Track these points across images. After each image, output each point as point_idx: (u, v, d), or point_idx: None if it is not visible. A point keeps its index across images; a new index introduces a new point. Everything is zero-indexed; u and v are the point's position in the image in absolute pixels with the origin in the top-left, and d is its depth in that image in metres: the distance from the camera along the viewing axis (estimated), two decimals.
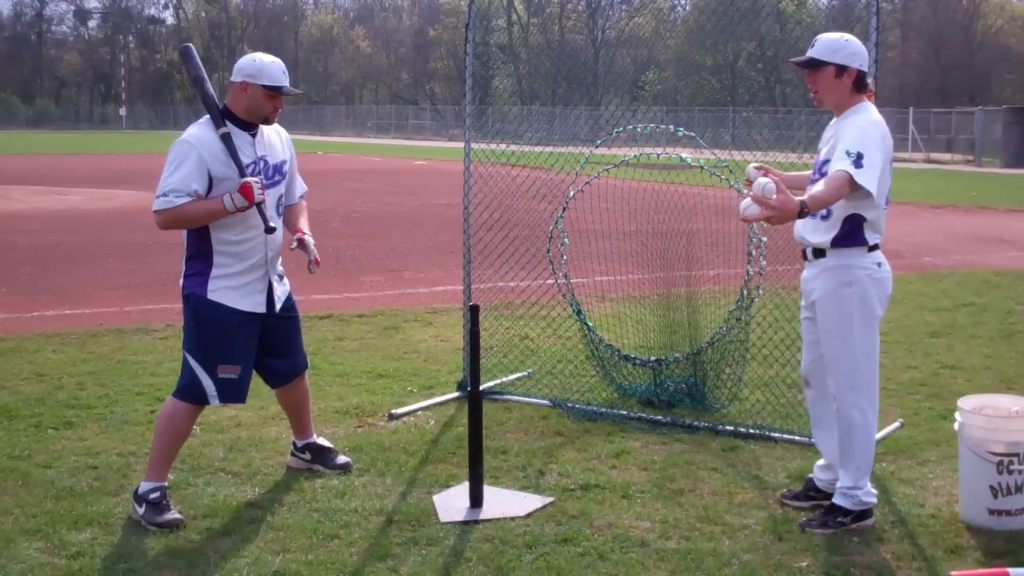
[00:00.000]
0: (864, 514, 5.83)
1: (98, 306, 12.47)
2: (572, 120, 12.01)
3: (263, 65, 5.94)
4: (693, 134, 8.23)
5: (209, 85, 6.09)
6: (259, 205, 5.83)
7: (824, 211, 5.61)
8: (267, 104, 5.97)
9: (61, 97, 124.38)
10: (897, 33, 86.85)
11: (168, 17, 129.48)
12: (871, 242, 5.68)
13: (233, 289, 5.98)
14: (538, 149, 9.43)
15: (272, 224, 5.94)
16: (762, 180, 5.34)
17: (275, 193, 6.12)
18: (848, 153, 5.41)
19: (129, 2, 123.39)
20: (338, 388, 8.75)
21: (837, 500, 5.82)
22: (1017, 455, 5.83)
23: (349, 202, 27.21)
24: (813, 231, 5.73)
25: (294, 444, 6.83)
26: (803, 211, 5.28)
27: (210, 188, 5.82)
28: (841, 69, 5.65)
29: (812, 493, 6.17)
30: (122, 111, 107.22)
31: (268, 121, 6.06)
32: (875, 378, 5.83)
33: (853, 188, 5.38)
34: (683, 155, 8.32)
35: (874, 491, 5.90)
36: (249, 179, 5.78)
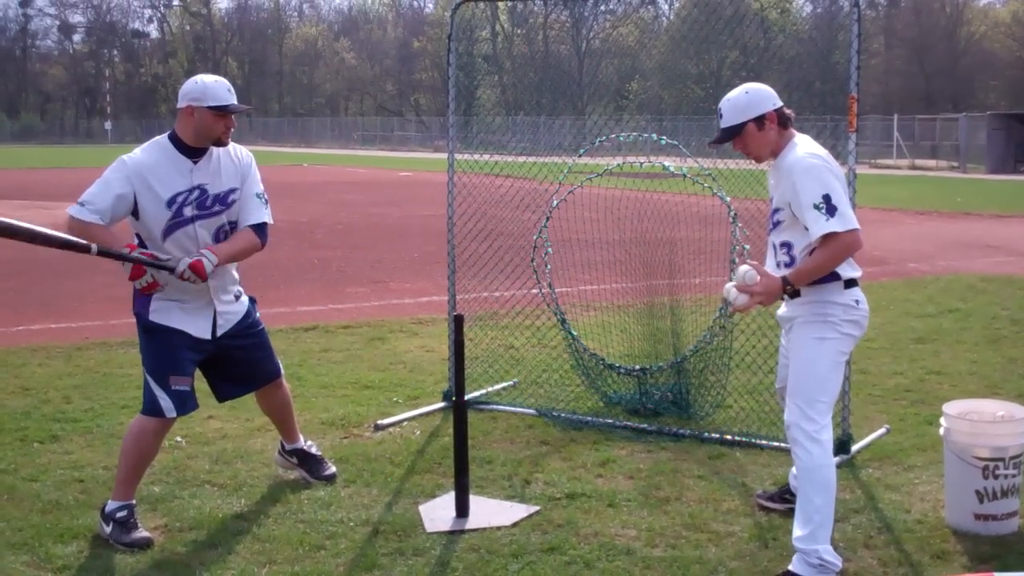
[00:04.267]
0: None
1: (84, 319, 12.45)
2: (556, 130, 12.03)
3: (207, 86, 5.87)
4: (676, 143, 8.25)
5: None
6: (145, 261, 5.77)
7: (787, 258, 5.44)
8: (217, 125, 5.88)
9: (46, 111, 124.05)
10: (881, 40, 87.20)
11: (152, 31, 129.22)
12: (845, 276, 5.36)
13: (174, 311, 5.93)
14: (522, 159, 9.44)
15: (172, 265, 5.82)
16: (742, 269, 5.32)
17: (215, 223, 5.97)
18: (817, 207, 5.15)
19: (113, 16, 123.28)
20: (323, 399, 8.74)
21: (793, 567, 5.25)
22: (1002, 460, 5.85)
23: (334, 213, 27.21)
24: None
25: (281, 445, 6.83)
26: (787, 287, 5.25)
27: (136, 212, 5.79)
28: (759, 120, 5.42)
29: (787, 496, 6.14)
30: (107, 125, 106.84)
31: (221, 142, 5.95)
32: (830, 408, 5.41)
33: (855, 238, 5.18)
34: (666, 164, 8.34)
35: (838, 556, 5.29)
36: (204, 258, 5.76)
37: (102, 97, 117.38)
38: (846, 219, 5.17)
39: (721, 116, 5.52)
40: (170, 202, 5.81)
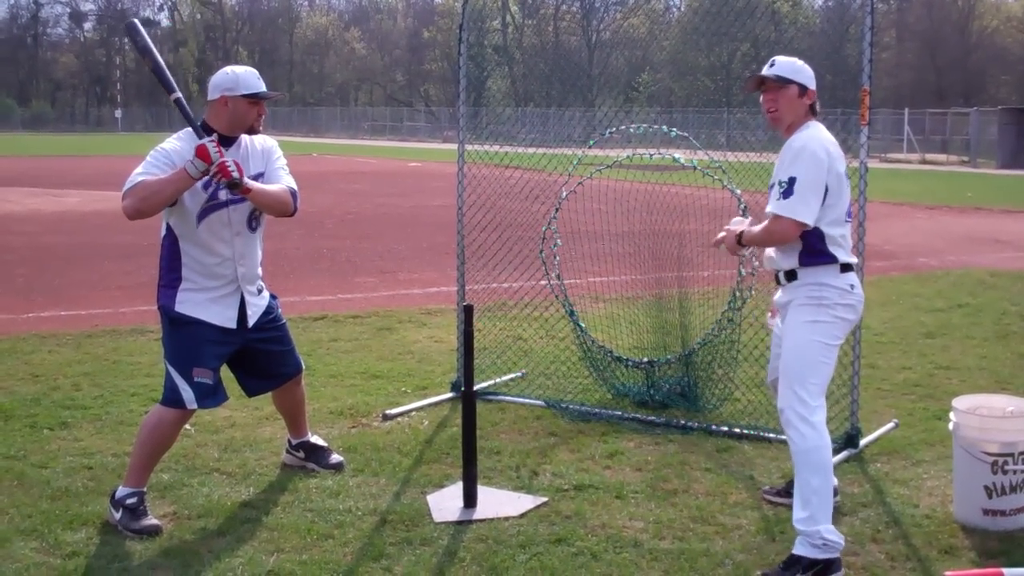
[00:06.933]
0: (829, 566, 5.24)
1: (93, 307, 12.47)
2: (566, 121, 12.02)
3: (239, 76, 5.99)
4: (686, 135, 8.24)
5: (158, 55, 6.09)
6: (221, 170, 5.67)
7: None
8: (250, 112, 6.01)
9: (57, 99, 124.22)
10: (892, 34, 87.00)
11: (163, 19, 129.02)
12: (841, 259, 5.42)
13: (201, 303, 5.97)
14: (531, 150, 9.43)
15: (237, 179, 5.70)
16: (737, 218, 5.63)
17: (247, 207, 6.04)
18: (780, 183, 5.35)
19: (124, 4, 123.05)
20: (332, 389, 8.76)
21: (797, 550, 5.27)
22: (1011, 455, 5.85)
23: (344, 204, 27.21)
24: (780, 256, 5.56)
25: (289, 442, 6.86)
26: (739, 240, 5.64)
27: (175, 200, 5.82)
28: (803, 89, 5.54)
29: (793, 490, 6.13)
30: (118, 113, 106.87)
31: (253, 130, 6.09)
32: (822, 390, 5.45)
33: (791, 227, 5.34)
34: (676, 156, 8.33)
35: (839, 534, 5.32)
36: (204, 140, 5.71)
37: (113, 85, 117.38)
38: (792, 208, 5.32)
39: (772, 64, 5.60)
40: (206, 184, 5.85)
